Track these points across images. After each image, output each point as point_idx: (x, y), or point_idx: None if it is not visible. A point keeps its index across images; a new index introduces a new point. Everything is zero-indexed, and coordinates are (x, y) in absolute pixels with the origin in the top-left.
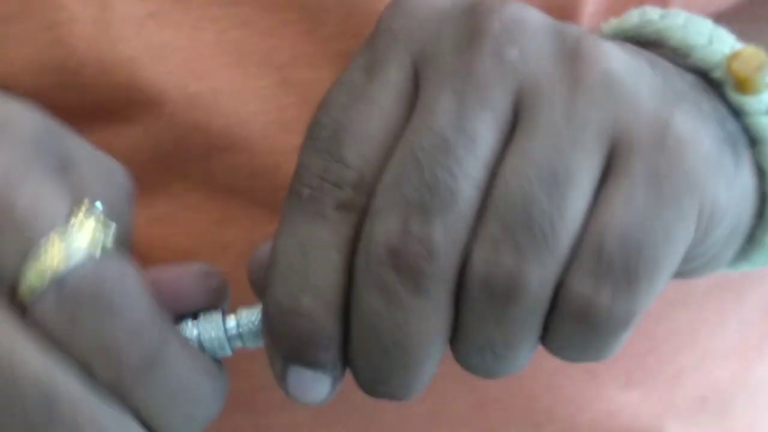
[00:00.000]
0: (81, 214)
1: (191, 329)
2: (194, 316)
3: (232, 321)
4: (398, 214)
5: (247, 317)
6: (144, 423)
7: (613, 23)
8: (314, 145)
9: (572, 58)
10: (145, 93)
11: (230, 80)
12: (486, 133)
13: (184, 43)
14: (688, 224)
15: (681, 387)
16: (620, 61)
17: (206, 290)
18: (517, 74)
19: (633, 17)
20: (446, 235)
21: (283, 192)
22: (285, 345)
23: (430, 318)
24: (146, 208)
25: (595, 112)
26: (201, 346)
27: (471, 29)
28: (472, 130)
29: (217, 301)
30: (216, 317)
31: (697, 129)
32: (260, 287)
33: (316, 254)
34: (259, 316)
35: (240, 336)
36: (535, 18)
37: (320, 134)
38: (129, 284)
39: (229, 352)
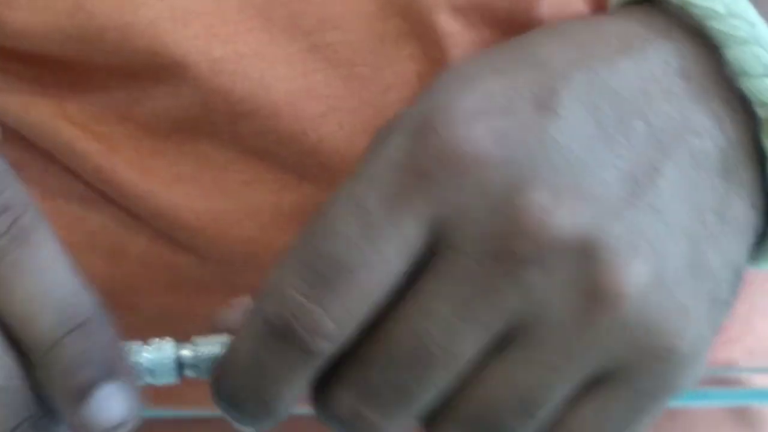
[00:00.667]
0: None
1: (139, 351)
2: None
3: (186, 350)
4: (354, 395)
5: (203, 348)
6: None
7: None
8: (303, 271)
9: (590, 293)
10: (169, 57)
11: (255, 45)
12: (471, 351)
13: (208, 7)
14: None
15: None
16: (636, 292)
17: None
18: (530, 300)
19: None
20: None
21: (310, 159)
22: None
23: None
24: (172, 166)
25: (594, 352)
26: (149, 369)
27: (501, 240)
28: (459, 349)
29: None
30: (168, 345)
31: (705, 339)
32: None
33: (269, 383)
34: (213, 349)
35: (193, 366)
36: (567, 235)
37: (314, 262)
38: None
39: (174, 380)
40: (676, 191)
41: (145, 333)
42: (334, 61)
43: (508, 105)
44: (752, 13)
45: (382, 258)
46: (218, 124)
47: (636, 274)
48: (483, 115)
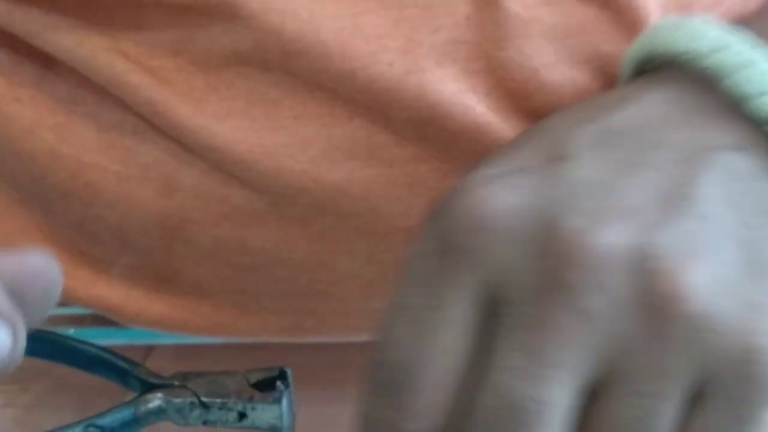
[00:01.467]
0: None
1: None
2: None
3: None
4: None
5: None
6: None
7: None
8: (377, 387)
9: (656, 306)
10: None
11: None
12: (563, 396)
13: None
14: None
15: None
16: (703, 292)
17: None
18: (600, 328)
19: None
20: None
21: (360, 96)
22: None
23: None
24: (224, 101)
25: (681, 364)
26: None
27: (551, 275)
28: (550, 397)
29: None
30: None
31: None
32: None
33: None
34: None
35: None
36: (615, 252)
37: (382, 375)
38: None
39: None
40: (717, 198)
41: (201, 265)
42: (384, 2)
43: (522, 165)
44: (739, 41)
45: (439, 346)
46: (270, 61)
47: (695, 275)
48: (498, 178)
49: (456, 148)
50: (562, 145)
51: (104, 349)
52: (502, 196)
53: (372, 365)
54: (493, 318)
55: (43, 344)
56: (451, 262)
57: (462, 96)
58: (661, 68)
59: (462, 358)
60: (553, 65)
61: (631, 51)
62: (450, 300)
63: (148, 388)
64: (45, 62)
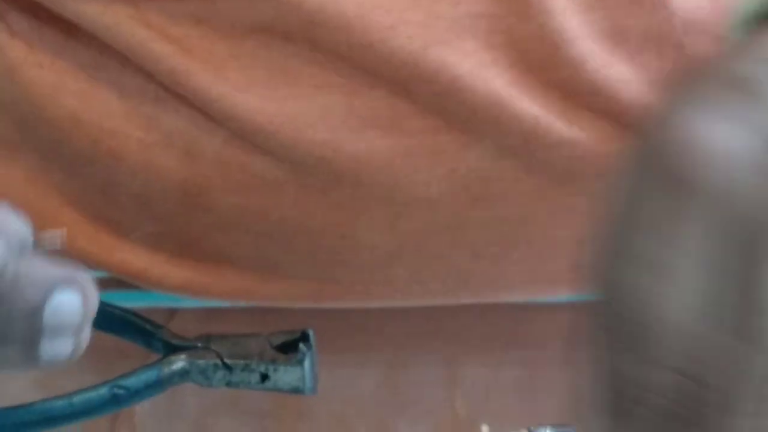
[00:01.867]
0: None
1: None
2: None
3: None
4: None
5: None
6: None
7: None
8: (621, 346)
9: None
10: None
11: None
12: None
13: None
14: None
15: None
16: None
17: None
18: None
19: None
20: None
21: (381, 67)
22: None
23: None
24: (246, 69)
25: None
26: None
27: None
28: None
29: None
30: None
31: None
32: None
33: None
34: None
35: None
36: None
37: (625, 331)
38: None
39: None
40: None
41: (222, 232)
42: None
43: (722, 98)
44: None
45: (684, 290)
46: (291, 31)
47: None
48: (714, 109)
49: (476, 119)
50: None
51: (128, 311)
52: (731, 130)
53: (605, 319)
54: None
55: None
56: (687, 202)
57: (483, 70)
58: None
59: (709, 300)
60: (575, 39)
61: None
62: (691, 241)
63: (172, 349)
64: (67, 29)
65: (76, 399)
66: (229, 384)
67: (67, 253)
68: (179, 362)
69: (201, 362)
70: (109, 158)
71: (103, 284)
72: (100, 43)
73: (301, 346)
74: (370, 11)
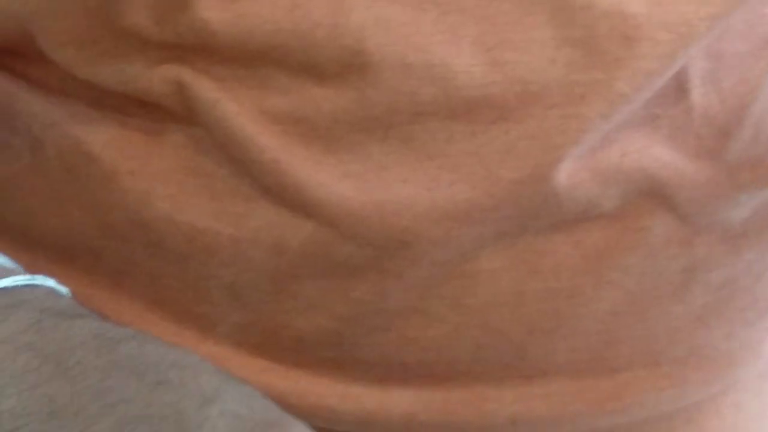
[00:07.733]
0: None
1: None
2: None
3: None
4: None
5: None
6: None
7: None
8: None
9: None
10: (368, 57)
11: (443, 56)
12: None
13: (407, 18)
14: None
15: None
16: None
17: None
18: None
19: None
20: None
21: (470, 159)
22: None
23: None
24: (341, 164)
25: None
26: None
27: None
28: None
29: None
30: None
31: None
32: None
33: None
34: None
35: None
36: None
37: None
38: None
39: None
40: None
41: (304, 317)
42: (511, 78)
43: None
44: None
45: None
46: (393, 127)
47: None
48: None
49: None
50: None
51: None
52: None
53: None
54: None
55: None
56: None
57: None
58: None
59: None
60: (617, 126)
61: None
62: None
63: None
64: (155, 134)
65: None
66: None
67: None
68: None
69: None
70: (203, 254)
71: None
72: (191, 151)
73: None
74: (477, 103)
